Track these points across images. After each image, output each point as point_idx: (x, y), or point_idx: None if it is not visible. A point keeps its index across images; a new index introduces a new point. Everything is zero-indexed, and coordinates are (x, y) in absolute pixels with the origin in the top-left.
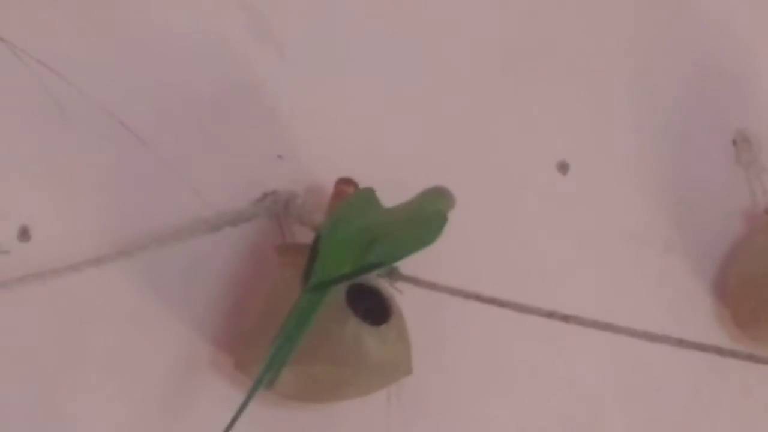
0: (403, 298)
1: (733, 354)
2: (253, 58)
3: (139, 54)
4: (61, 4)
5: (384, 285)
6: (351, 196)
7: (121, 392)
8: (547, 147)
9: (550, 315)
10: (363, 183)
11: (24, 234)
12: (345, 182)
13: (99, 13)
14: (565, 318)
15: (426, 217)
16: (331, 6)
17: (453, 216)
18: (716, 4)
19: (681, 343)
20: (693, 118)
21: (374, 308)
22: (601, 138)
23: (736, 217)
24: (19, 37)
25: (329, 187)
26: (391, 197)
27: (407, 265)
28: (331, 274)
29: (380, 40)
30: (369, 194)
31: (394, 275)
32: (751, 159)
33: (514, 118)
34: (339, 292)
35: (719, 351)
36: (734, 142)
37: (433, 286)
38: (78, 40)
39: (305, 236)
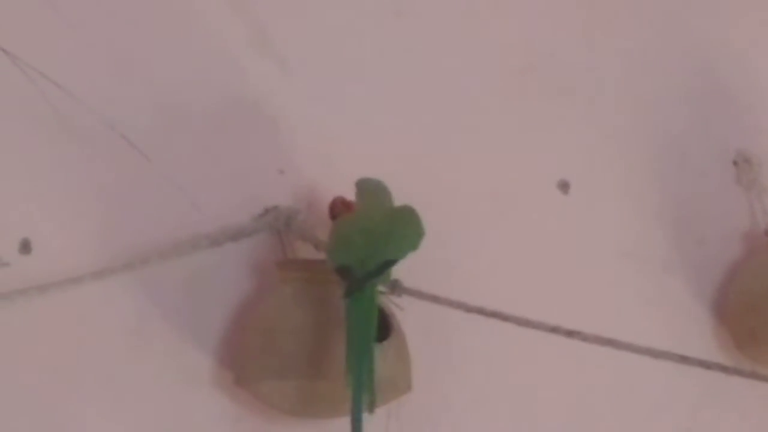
0: (405, 312)
1: (737, 371)
2: (255, 73)
3: (141, 68)
4: (64, 17)
5: (384, 302)
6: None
7: (120, 405)
8: (547, 166)
9: (554, 330)
10: None
11: (25, 247)
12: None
13: (101, 26)
14: (569, 333)
15: (401, 216)
16: (333, 21)
17: (457, 232)
18: (717, 26)
19: (684, 359)
20: (694, 138)
21: None
22: (602, 157)
23: (736, 238)
24: (21, 49)
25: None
26: None
27: (410, 278)
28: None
29: (382, 56)
30: (341, 221)
31: (396, 288)
32: (752, 180)
33: (516, 137)
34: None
35: (723, 368)
36: (735, 163)
37: (436, 300)
38: (80, 53)
39: (307, 252)
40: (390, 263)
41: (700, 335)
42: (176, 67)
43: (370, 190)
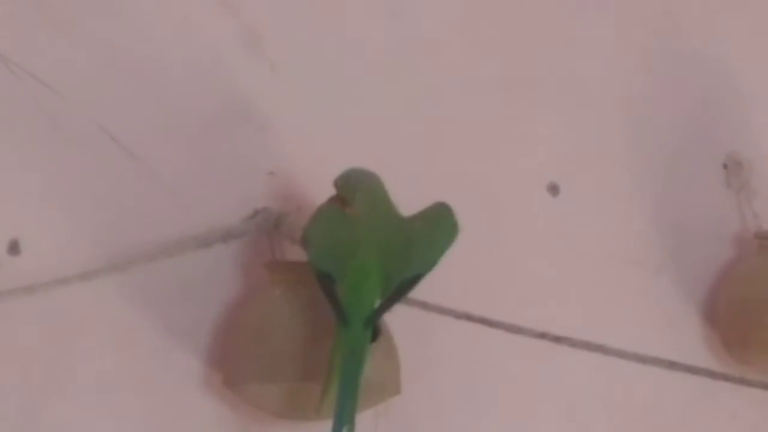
0: (393, 317)
1: (724, 377)
2: (245, 74)
3: (131, 69)
4: (54, 17)
5: None
6: (319, 217)
7: (108, 408)
8: (537, 169)
9: (542, 336)
10: None
11: (14, 248)
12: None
13: (91, 27)
14: (557, 339)
15: (432, 215)
16: (323, 22)
17: None
18: (706, 29)
19: (672, 365)
20: (684, 141)
21: None
22: (592, 161)
23: (725, 241)
24: (11, 50)
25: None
26: None
27: None
28: (371, 304)
29: (373, 57)
30: (335, 211)
31: None
32: (742, 183)
33: (505, 140)
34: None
35: (711, 374)
36: (725, 166)
37: (424, 306)
38: (70, 54)
39: (296, 254)
40: (416, 280)
41: (690, 339)
42: (166, 67)
43: (366, 188)
